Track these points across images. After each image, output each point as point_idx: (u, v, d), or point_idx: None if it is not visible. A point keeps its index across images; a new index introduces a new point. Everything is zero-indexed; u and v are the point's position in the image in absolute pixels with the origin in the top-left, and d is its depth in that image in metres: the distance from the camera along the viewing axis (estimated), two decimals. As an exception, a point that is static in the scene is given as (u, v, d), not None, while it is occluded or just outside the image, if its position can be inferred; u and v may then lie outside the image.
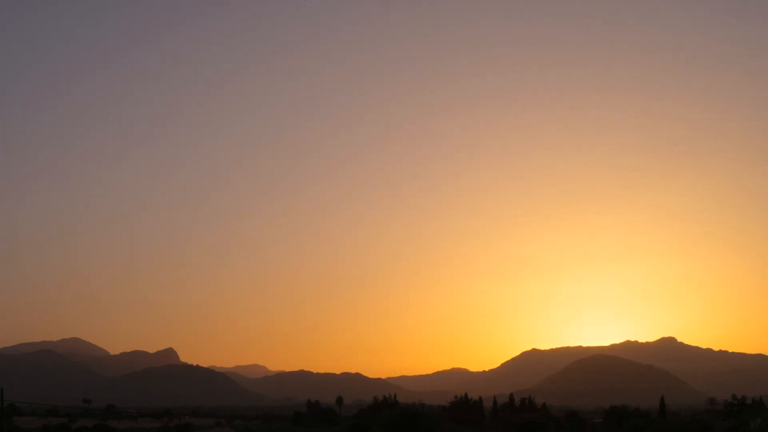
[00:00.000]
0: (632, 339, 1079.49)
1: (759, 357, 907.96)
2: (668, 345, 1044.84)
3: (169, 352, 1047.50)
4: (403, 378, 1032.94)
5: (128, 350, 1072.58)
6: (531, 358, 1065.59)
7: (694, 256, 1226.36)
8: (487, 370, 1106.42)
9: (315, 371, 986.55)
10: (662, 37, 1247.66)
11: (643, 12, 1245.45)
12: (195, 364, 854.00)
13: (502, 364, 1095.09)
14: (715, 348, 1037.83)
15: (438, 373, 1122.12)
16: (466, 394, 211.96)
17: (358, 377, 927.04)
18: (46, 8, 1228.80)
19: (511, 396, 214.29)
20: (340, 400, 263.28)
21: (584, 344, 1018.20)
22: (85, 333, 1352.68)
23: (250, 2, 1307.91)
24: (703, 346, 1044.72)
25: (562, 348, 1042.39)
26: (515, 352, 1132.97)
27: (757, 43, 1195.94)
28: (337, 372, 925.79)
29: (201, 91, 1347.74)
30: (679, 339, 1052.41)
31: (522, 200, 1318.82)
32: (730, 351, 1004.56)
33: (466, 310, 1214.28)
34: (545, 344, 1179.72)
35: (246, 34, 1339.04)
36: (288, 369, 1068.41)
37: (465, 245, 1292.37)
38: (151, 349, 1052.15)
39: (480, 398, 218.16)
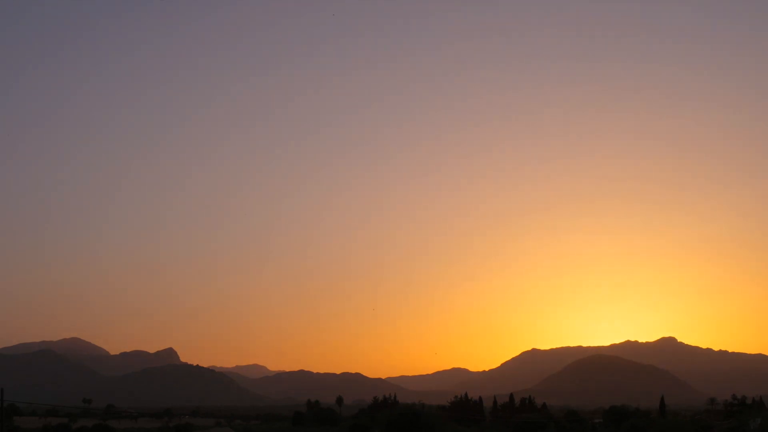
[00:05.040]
0: (632, 339, 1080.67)
1: (759, 357, 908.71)
2: (668, 345, 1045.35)
3: (169, 352, 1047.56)
4: (403, 378, 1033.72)
5: (128, 350, 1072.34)
6: (531, 358, 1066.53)
7: (694, 256, 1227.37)
8: (487, 370, 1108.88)
9: (315, 371, 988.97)
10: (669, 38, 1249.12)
11: (645, 16, 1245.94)
12: (195, 364, 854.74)
13: (502, 364, 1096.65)
14: (715, 348, 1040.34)
15: (438, 373, 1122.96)
16: (466, 394, 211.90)
17: (358, 377, 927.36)
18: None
19: (511, 396, 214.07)
20: (340, 400, 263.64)
21: (584, 344, 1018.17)
22: (85, 333, 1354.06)
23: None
24: (703, 346, 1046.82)
25: (562, 348, 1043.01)
26: (515, 352, 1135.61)
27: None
28: (337, 372, 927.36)
29: (201, 94, 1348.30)
30: (679, 339, 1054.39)
31: (523, 201, 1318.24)
32: (730, 351, 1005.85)
33: (466, 310, 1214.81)
34: (545, 344, 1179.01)
35: (267, 33, 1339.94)
36: (288, 369, 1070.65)
37: (465, 246, 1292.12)
38: (151, 349, 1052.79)
39: (480, 398, 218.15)
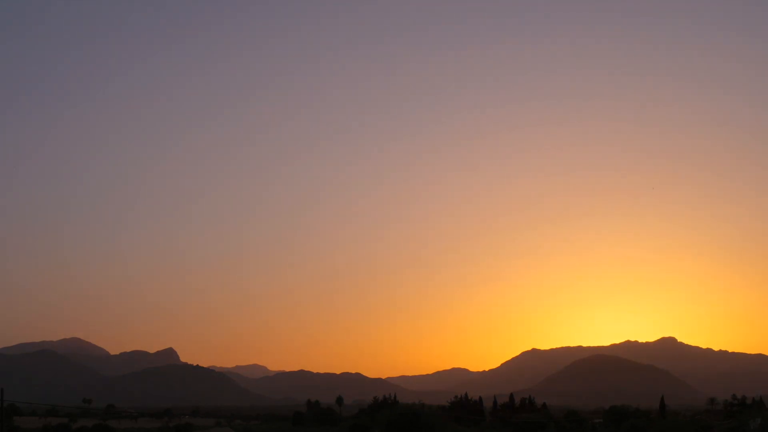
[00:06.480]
0: (632, 339, 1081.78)
1: (759, 357, 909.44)
2: (668, 345, 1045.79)
3: (169, 352, 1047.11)
4: (403, 378, 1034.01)
5: (128, 350, 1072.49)
6: (531, 358, 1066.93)
7: (694, 256, 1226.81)
8: (487, 370, 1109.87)
9: (315, 371, 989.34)
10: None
11: (645, 16, 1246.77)
12: (195, 364, 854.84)
13: (502, 364, 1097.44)
14: (715, 348, 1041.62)
15: (438, 373, 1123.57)
16: (466, 394, 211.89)
17: (358, 377, 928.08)
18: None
19: (511, 396, 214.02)
20: (340, 400, 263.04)
21: (584, 344, 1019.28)
22: (85, 333, 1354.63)
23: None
24: (703, 346, 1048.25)
25: (562, 348, 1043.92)
26: (515, 352, 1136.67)
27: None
28: (337, 372, 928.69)
29: (204, 94, 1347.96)
30: (679, 339, 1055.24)
31: (523, 201, 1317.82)
32: (730, 351, 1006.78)
33: (466, 310, 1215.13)
34: (545, 344, 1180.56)
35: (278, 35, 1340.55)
36: (288, 369, 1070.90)
37: (465, 246, 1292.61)
38: (151, 349, 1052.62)
39: (480, 398, 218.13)
